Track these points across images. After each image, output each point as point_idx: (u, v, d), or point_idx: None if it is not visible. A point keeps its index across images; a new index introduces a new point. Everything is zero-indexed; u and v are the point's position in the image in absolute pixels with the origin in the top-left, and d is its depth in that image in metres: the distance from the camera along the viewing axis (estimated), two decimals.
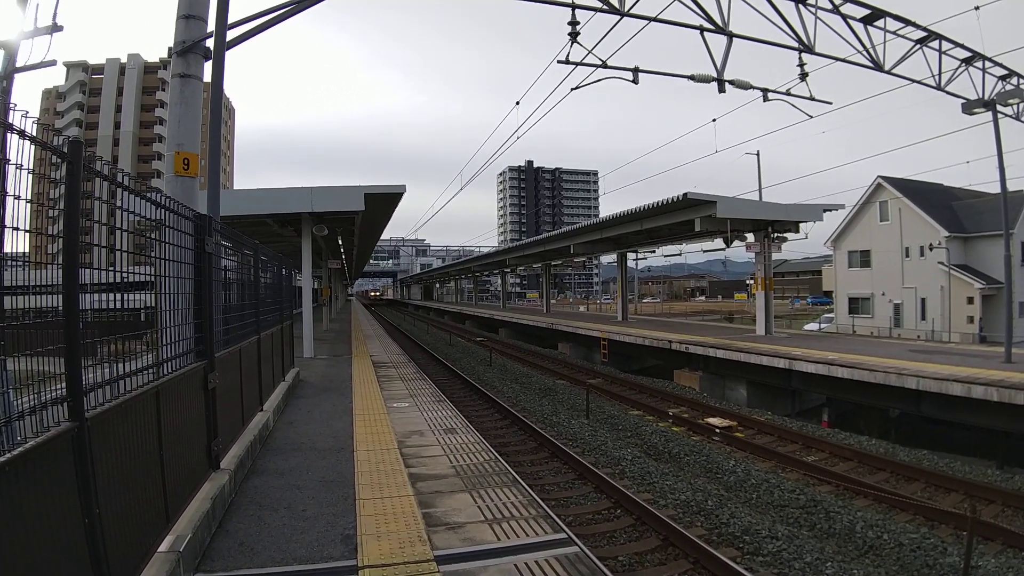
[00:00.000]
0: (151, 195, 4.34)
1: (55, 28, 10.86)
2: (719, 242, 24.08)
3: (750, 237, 23.13)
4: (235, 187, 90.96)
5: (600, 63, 12.38)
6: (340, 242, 28.03)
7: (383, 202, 19.92)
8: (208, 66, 8.17)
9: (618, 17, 11.54)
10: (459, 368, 23.51)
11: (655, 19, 11.64)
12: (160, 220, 4.60)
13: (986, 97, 15.04)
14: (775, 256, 23.62)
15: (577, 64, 12.27)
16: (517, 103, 17.91)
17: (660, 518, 8.26)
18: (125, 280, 3.77)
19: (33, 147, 2.75)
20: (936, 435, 13.96)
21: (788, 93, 14.10)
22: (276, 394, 10.55)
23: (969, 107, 15.11)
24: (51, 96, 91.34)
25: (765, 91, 14.10)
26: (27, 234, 2.75)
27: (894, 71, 13.99)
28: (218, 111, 8.23)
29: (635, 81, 12.92)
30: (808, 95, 14.07)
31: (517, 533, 5.16)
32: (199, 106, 8.13)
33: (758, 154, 34.89)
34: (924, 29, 14.02)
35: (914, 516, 9.15)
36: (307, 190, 17.54)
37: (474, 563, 4.57)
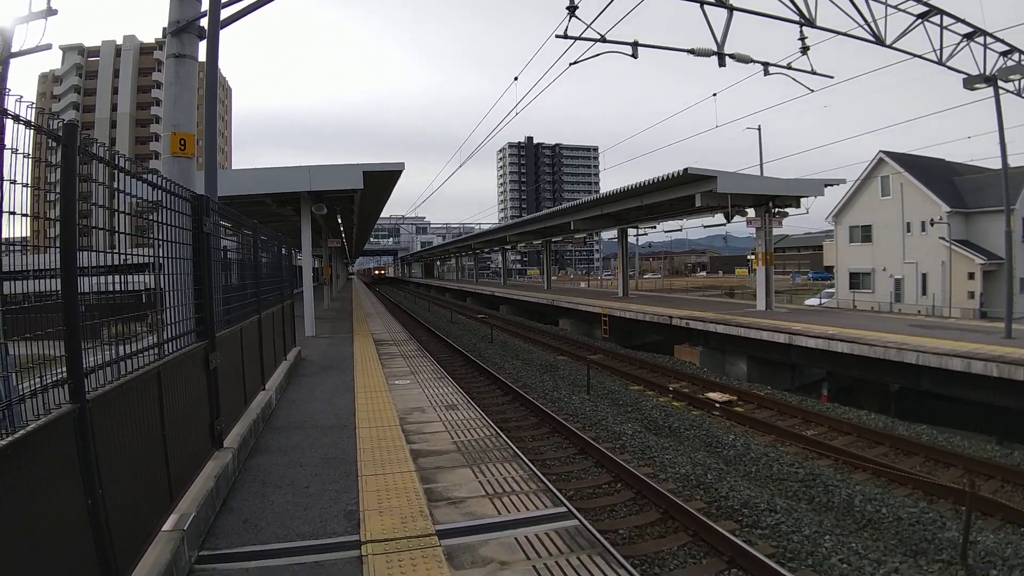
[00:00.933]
0: (147, 176, 4.33)
1: (50, 12, 10.79)
2: (720, 217, 23.99)
3: (751, 212, 23.07)
4: (233, 167, 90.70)
5: (599, 37, 12.27)
6: (340, 221, 27.97)
7: (382, 180, 19.86)
8: (203, 45, 8.11)
9: None
10: (460, 345, 23.59)
11: None
12: (158, 201, 4.59)
13: (987, 73, 14.90)
14: (776, 231, 23.58)
15: (576, 39, 12.16)
16: (516, 78, 17.78)
17: (660, 492, 8.34)
18: (124, 262, 3.78)
19: (31, 132, 2.74)
20: (935, 410, 14.02)
21: (789, 67, 13.98)
22: (278, 373, 10.61)
23: (970, 82, 14.97)
24: (48, 80, 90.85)
25: (766, 65, 13.97)
26: (26, 218, 2.75)
27: (895, 46, 13.85)
28: (213, 91, 8.19)
29: (634, 55, 12.80)
30: (809, 68, 13.95)
31: (518, 507, 5.22)
32: (195, 86, 8.06)
33: (759, 129, 34.71)
34: (925, 4, 13.85)
35: (913, 490, 9.22)
36: (305, 169, 17.46)
37: (475, 537, 4.63)
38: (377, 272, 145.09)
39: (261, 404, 8.20)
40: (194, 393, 5.19)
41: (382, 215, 42.19)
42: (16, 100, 2.59)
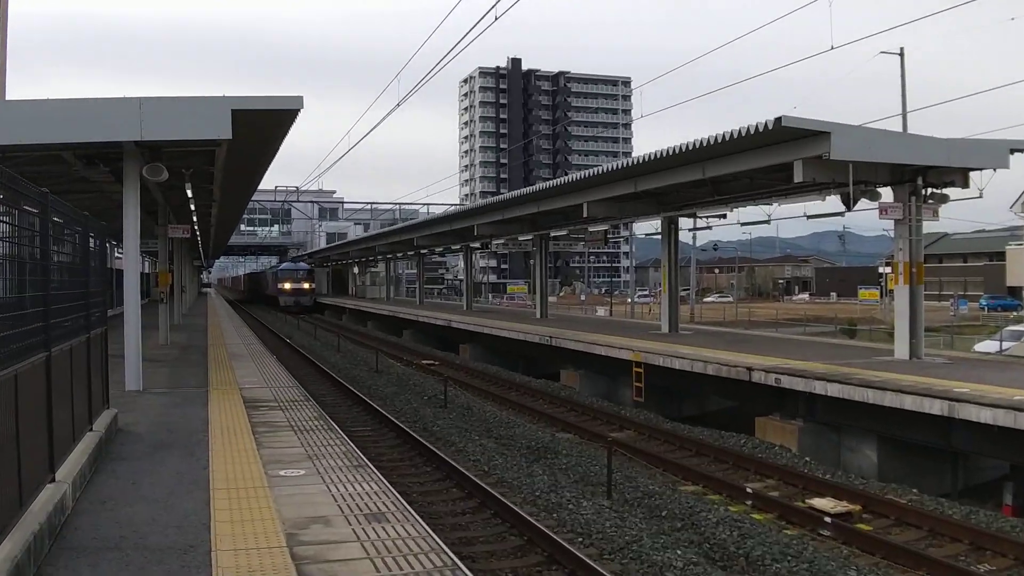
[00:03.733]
0: None
1: None
2: (833, 202, 24.17)
3: (886, 194, 23.17)
4: (7, 97, 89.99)
5: None
6: (190, 195, 27.86)
7: (264, 125, 19.67)
8: None
9: None
10: (390, 410, 23.50)
11: None
12: None
13: None
14: (928, 226, 23.69)
15: None
16: None
17: None
18: None
19: None
20: None
21: None
22: (78, 452, 10.47)
23: None
24: None
25: None
26: None
27: None
28: None
29: None
30: None
31: None
32: None
33: (901, 52, 35.11)
34: None
35: None
36: (134, 102, 17.09)
37: None
38: (307, 286, 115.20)
39: (48, 507, 8.07)
40: None
41: (261, 187, 42.04)
42: None
